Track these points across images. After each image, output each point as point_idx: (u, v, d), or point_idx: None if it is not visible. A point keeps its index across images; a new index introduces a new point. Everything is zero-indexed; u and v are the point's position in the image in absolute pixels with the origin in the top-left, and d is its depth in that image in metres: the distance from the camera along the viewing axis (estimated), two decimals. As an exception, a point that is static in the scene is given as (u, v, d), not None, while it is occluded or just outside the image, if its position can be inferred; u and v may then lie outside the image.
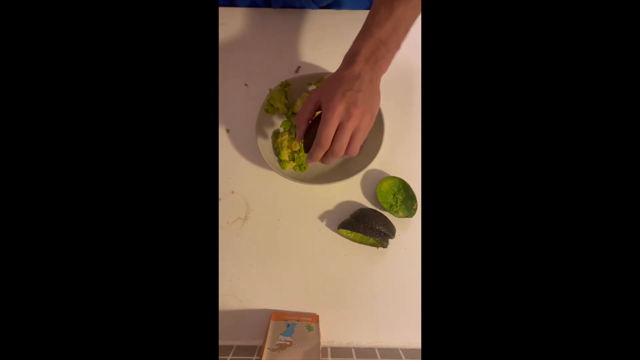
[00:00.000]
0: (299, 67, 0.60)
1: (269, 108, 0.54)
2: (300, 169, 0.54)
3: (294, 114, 0.55)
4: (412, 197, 0.52)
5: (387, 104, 0.57)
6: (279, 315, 0.47)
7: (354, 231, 0.49)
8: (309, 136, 0.43)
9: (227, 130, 0.57)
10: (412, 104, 0.58)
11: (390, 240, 0.50)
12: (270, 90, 0.53)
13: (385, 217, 0.50)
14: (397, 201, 0.52)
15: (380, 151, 0.50)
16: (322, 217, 0.53)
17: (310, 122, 0.43)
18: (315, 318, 0.47)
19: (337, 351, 0.46)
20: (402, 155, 0.57)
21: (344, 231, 0.50)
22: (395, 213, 0.51)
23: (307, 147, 0.43)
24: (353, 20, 0.65)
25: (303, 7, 0.63)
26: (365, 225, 0.48)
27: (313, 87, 0.56)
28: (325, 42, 0.62)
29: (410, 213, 0.51)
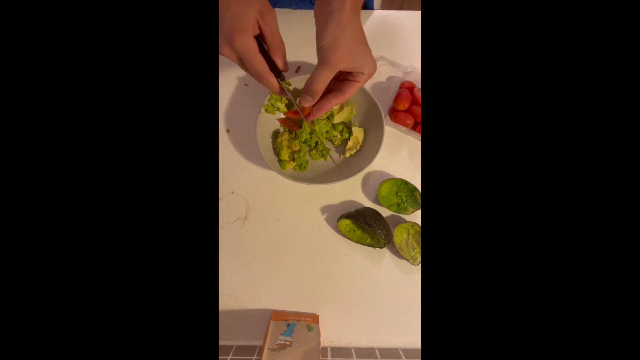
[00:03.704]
0: (299, 67, 0.60)
1: (269, 108, 0.54)
2: (300, 169, 0.54)
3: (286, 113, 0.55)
4: (413, 189, 0.52)
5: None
6: (279, 315, 0.47)
7: (354, 221, 0.49)
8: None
9: (227, 130, 0.57)
10: (412, 104, 0.58)
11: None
12: (270, 90, 0.53)
13: (385, 221, 0.50)
14: (401, 198, 0.52)
15: (380, 151, 0.50)
16: (322, 217, 0.53)
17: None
18: (315, 318, 0.47)
19: (337, 351, 0.46)
20: (402, 155, 0.57)
21: (344, 221, 0.51)
22: (405, 211, 0.52)
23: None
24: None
25: (299, 8, 0.63)
26: (365, 221, 0.49)
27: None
28: (325, 42, 0.62)
29: (418, 204, 0.52)
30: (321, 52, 0.38)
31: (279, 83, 0.41)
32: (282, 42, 0.40)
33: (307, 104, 0.41)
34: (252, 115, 0.54)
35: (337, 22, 0.37)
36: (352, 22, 0.37)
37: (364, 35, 0.40)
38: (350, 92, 0.41)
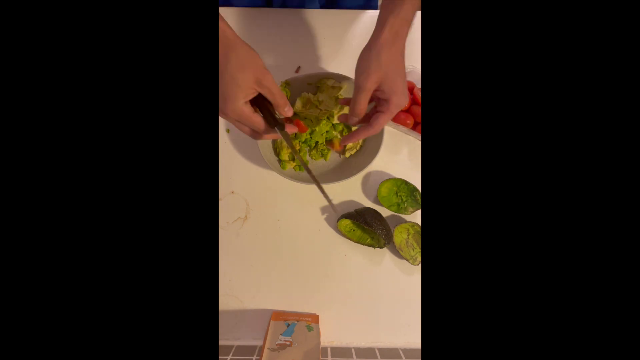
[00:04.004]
0: (299, 67, 0.61)
1: (269, 108, 0.54)
2: (300, 169, 0.54)
3: (294, 114, 0.55)
4: (413, 189, 0.52)
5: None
6: (279, 315, 0.47)
7: (354, 221, 0.49)
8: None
9: (227, 130, 0.57)
10: (412, 104, 0.58)
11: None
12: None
13: (385, 221, 0.50)
14: (401, 198, 0.52)
15: (380, 151, 0.50)
16: (322, 217, 0.53)
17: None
18: (315, 318, 0.47)
19: (337, 351, 0.46)
20: (402, 155, 0.57)
21: (344, 221, 0.51)
22: (405, 211, 0.52)
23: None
24: (353, 20, 0.65)
25: (304, 6, 0.63)
26: (365, 221, 0.49)
27: (313, 87, 0.56)
28: (325, 42, 0.62)
29: (418, 204, 0.52)
30: (357, 77, 0.40)
31: (280, 133, 0.43)
32: (282, 97, 0.41)
33: (356, 123, 0.44)
34: (252, 115, 0.54)
35: (373, 48, 0.39)
36: (389, 47, 0.39)
37: (402, 64, 0.41)
38: (379, 124, 0.42)
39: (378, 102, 0.42)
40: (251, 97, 0.40)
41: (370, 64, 0.39)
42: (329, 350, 0.46)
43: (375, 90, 0.41)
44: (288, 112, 0.42)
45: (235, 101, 0.38)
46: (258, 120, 0.40)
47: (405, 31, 0.40)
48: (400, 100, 0.40)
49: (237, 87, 0.38)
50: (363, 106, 0.42)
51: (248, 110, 0.39)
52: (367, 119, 0.44)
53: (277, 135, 0.43)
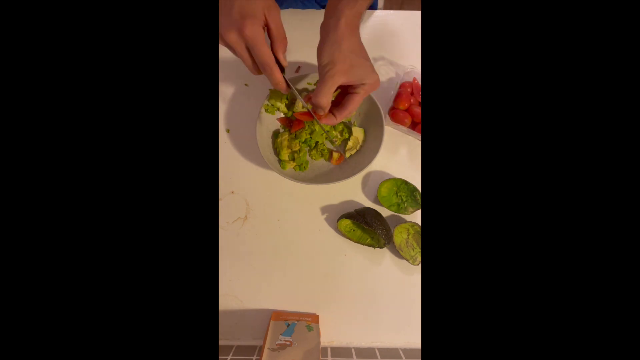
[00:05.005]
0: (299, 67, 0.61)
1: (269, 108, 0.54)
2: (300, 169, 0.54)
3: (294, 114, 0.55)
4: (413, 189, 0.52)
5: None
6: (279, 315, 0.47)
7: (355, 221, 0.49)
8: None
9: (227, 130, 0.57)
10: (412, 104, 0.58)
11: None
12: (270, 90, 0.53)
13: (385, 221, 0.50)
14: (401, 198, 0.52)
15: (380, 151, 0.50)
16: (322, 217, 0.53)
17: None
18: (315, 318, 0.47)
19: (337, 351, 0.46)
20: (401, 155, 0.57)
21: (344, 221, 0.51)
22: (405, 211, 0.52)
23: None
24: (353, 20, 0.64)
25: (306, 7, 0.63)
26: (365, 221, 0.49)
27: (313, 87, 0.56)
28: (325, 42, 0.62)
29: (418, 204, 0.52)
30: (321, 69, 0.40)
31: (284, 77, 0.41)
32: (285, 38, 0.40)
33: (323, 114, 0.43)
34: (252, 115, 0.54)
35: (333, 40, 0.39)
36: (348, 37, 0.39)
37: (363, 49, 0.41)
38: (352, 105, 0.42)
39: (350, 89, 0.42)
40: (264, 23, 0.37)
41: (334, 56, 0.39)
42: (329, 350, 0.46)
43: (345, 83, 0.40)
44: (282, 58, 0.40)
45: (255, 20, 0.36)
46: (269, 52, 0.38)
47: (358, 23, 0.41)
48: (373, 80, 0.41)
49: (255, 5, 0.36)
50: (329, 98, 0.41)
51: (263, 36, 0.37)
52: (336, 104, 0.44)
53: (280, 79, 0.41)
